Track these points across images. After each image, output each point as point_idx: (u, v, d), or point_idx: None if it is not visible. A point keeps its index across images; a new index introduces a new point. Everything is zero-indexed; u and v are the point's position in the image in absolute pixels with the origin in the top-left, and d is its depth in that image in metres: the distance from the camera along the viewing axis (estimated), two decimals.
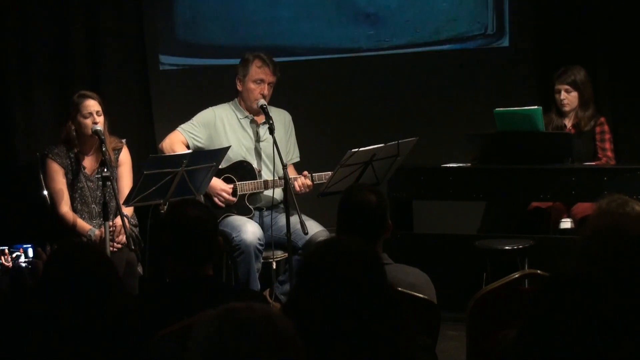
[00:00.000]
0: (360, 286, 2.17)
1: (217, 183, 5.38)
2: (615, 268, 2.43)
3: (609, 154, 5.93)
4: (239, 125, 5.56)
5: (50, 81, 6.01)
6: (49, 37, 6.00)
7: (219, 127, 5.53)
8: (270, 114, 5.37)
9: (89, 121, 5.15)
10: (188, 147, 5.48)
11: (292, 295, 2.29)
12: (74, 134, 5.23)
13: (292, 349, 1.77)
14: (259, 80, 5.50)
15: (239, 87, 5.55)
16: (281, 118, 5.62)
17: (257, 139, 5.56)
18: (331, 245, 2.34)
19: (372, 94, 6.80)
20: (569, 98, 5.95)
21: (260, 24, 6.77)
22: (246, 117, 5.55)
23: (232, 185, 5.45)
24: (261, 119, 5.49)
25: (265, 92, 5.49)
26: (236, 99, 5.60)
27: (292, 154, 5.66)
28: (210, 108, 5.61)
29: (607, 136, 5.95)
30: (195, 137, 5.52)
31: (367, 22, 6.83)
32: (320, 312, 2.14)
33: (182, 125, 5.54)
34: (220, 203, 5.42)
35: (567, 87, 5.94)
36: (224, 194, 5.42)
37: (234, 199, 5.43)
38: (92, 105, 5.18)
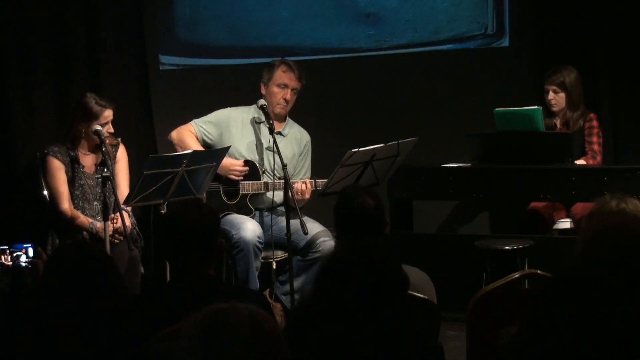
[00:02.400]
0: (381, 289, 2.18)
1: (226, 162, 5.33)
2: (619, 268, 2.42)
3: (595, 147, 5.91)
4: (251, 128, 5.56)
5: (51, 81, 6.01)
6: (49, 37, 6.00)
7: (231, 128, 5.54)
8: (290, 128, 5.50)
9: (103, 129, 5.16)
10: (197, 140, 5.50)
11: (309, 298, 2.28)
12: (80, 134, 5.25)
13: (277, 349, 1.77)
14: (282, 84, 5.51)
15: (263, 91, 5.56)
16: (297, 135, 5.65)
17: (267, 143, 5.53)
18: (353, 250, 2.33)
19: (372, 94, 6.79)
20: (556, 99, 5.95)
21: (260, 24, 6.77)
22: (263, 122, 5.52)
23: (241, 162, 5.44)
24: (279, 126, 5.50)
25: (288, 97, 5.51)
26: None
27: (302, 174, 5.61)
28: (228, 108, 5.63)
29: (595, 131, 5.93)
30: (206, 133, 5.53)
31: (367, 22, 6.82)
32: (339, 315, 2.14)
33: (197, 120, 5.57)
34: (237, 177, 5.42)
35: (555, 87, 5.94)
36: (237, 167, 5.41)
37: (247, 169, 5.43)
38: (110, 115, 5.23)
